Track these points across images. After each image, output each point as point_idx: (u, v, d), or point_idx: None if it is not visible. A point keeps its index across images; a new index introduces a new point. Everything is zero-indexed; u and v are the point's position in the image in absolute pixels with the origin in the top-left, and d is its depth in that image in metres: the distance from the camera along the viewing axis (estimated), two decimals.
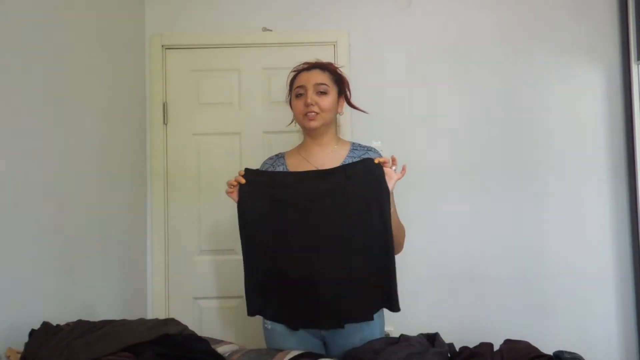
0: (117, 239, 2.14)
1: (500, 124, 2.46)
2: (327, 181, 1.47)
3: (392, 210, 1.48)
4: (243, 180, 1.49)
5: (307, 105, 1.54)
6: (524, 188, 2.44)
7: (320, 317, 1.45)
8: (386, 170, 1.45)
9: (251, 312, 1.52)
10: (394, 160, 1.47)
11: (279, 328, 1.55)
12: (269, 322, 1.58)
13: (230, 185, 1.50)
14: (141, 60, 2.49)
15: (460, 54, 2.48)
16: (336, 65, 1.66)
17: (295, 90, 1.59)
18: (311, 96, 1.55)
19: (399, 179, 1.46)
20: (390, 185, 1.45)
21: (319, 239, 1.45)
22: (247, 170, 1.51)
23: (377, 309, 1.53)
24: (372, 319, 1.51)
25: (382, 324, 1.63)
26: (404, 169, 1.47)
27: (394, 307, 1.48)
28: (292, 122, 1.69)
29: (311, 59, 1.67)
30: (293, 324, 1.52)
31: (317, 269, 1.44)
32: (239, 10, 2.52)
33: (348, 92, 1.67)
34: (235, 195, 1.50)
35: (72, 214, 1.76)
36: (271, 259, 1.48)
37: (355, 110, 1.72)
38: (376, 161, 1.45)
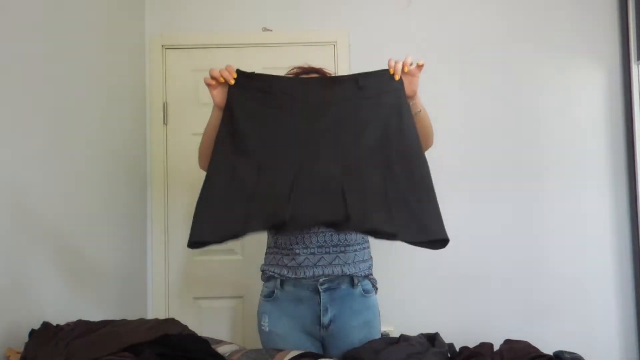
0: (117, 239, 2.14)
1: (501, 124, 2.46)
2: (335, 90, 1.31)
3: (421, 112, 1.41)
4: (232, 80, 1.34)
5: None
6: (524, 188, 2.44)
7: (319, 210, 1.23)
8: (406, 78, 1.32)
9: (203, 233, 1.25)
10: (405, 64, 1.33)
11: (277, 329, 1.55)
12: (266, 324, 1.57)
13: (211, 76, 1.35)
14: (141, 60, 2.49)
15: (460, 54, 2.48)
16: (328, 71, 1.64)
17: None
18: None
19: (418, 76, 1.35)
20: (413, 89, 1.35)
21: (323, 154, 1.27)
22: (239, 72, 1.34)
23: (406, 236, 1.27)
24: (394, 236, 1.26)
25: (379, 325, 1.62)
26: (419, 65, 1.35)
27: (435, 239, 1.26)
28: None
29: (310, 59, 1.67)
30: (277, 228, 1.29)
31: (319, 180, 1.24)
32: (239, 10, 2.52)
33: None
34: (217, 92, 1.36)
35: (72, 213, 1.76)
36: (259, 170, 1.27)
37: None
38: (394, 74, 1.30)
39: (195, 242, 1.26)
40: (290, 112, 1.30)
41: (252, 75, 1.34)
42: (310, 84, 1.38)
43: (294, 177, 1.24)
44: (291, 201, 1.22)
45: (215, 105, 1.44)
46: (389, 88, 1.32)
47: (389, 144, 1.29)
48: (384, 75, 1.33)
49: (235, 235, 1.27)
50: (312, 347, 1.54)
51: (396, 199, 1.26)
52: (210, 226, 1.25)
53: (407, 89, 1.37)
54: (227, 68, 1.38)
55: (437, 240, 1.28)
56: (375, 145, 1.29)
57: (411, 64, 1.36)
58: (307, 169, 1.26)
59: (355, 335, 1.52)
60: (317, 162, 1.26)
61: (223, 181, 1.28)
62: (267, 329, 1.56)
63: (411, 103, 1.41)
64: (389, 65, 1.36)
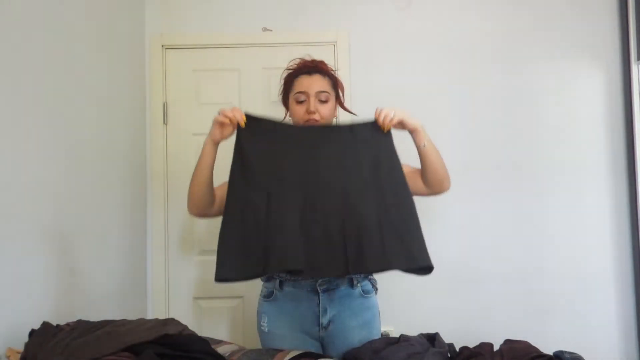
0: (117, 239, 2.14)
1: (501, 124, 2.46)
2: (332, 135, 1.47)
3: (426, 146, 1.50)
4: (242, 123, 1.42)
5: (309, 112, 1.54)
6: (524, 188, 2.44)
7: (323, 264, 1.37)
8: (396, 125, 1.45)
9: (228, 272, 1.37)
10: (385, 124, 1.44)
11: (276, 330, 1.55)
12: (265, 324, 1.57)
13: (224, 115, 1.41)
14: (141, 60, 2.49)
15: (460, 54, 2.48)
16: (331, 68, 1.65)
17: (296, 96, 1.57)
18: (314, 104, 1.54)
19: (404, 117, 1.45)
20: (410, 127, 1.47)
21: (324, 184, 1.41)
22: (248, 116, 1.44)
23: (397, 265, 1.40)
24: (388, 269, 1.40)
25: (379, 325, 1.62)
26: (398, 122, 1.45)
27: (422, 266, 1.41)
28: (285, 117, 1.68)
29: (306, 56, 1.66)
30: (293, 273, 1.42)
31: (322, 212, 1.38)
32: (239, 10, 2.52)
33: (342, 95, 1.67)
34: (223, 130, 1.43)
35: (72, 213, 1.76)
36: (269, 205, 1.38)
37: (354, 109, 1.73)
38: (383, 126, 1.44)
39: (221, 279, 1.38)
40: (293, 152, 1.43)
41: (260, 119, 1.45)
42: (311, 130, 1.50)
43: (301, 215, 1.38)
44: (303, 252, 1.36)
45: (212, 141, 1.46)
46: (379, 135, 1.46)
47: (380, 181, 1.43)
48: (374, 125, 1.47)
49: (257, 275, 1.43)
50: (311, 347, 1.54)
51: (389, 230, 1.39)
52: (233, 265, 1.38)
53: (406, 128, 1.48)
54: (236, 111, 1.43)
55: (424, 267, 1.43)
56: (368, 181, 1.42)
57: (391, 120, 1.44)
58: (311, 206, 1.39)
59: (355, 336, 1.52)
60: (320, 198, 1.40)
61: (239, 216, 1.39)
62: (267, 329, 1.56)
63: (414, 136, 1.50)
64: (375, 116, 1.45)
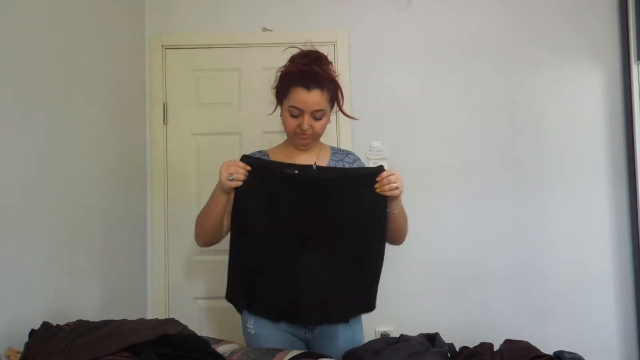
0: (117, 239, 2.14)
1: (501, 124, 2.46)
2: (326, 180, 1.46)
3: (398, 214, 1.50)
4: (246, 174, 1.44)
5: (302, 129, 1.51)
6: (524, 188, 2.44)
7: (301, 314, 1.49)
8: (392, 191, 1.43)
9: (240, 308, 1.58)
10: (386, 190, 1.43)
11: (262, 332, 1.54)
12: (252, 326, 1.56)
13: (237, 172, 1.43)
14: (141, 60, 2.49)
15: (460, 54, 2.48)
16: (332, 70, 1.56)
17: (290, 109, 1.51)
18: (307, 122, 1.50)
19: (396, 191, 1.43)
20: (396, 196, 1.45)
21: (308, 238, 1.45)
22: (249, 161, 1.46)
23: (356, 313, 1.58)
24: (347, 321, 1.55)
25: (361, 326, 1.65)
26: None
27: (370, 309, 1.55)
28: (274, 110, 1.65)
29: (308, 45, 1.63)
30: (276, 318, 1.53)
31: (302, 268, 1.44)
32: (239, 10, 2.52)
33: (341, 99, 1.59)
34: (234, 184, 1.44)
35: (72, 214, 1.76)
36: (258, 255, 1.47)
37: (354, 109, 1.71)
38: (381, 189, 1.44)
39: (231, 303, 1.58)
40: (285, 202, 1.46)
41: (258, 161, 1.49)
42: (307, 175, 1.46)
43: (294, 265, 1.45)
44: (297, 302, 1.46)
45: (223, 190, 1.46)
46: (372, 188, 1.45)
47: (366, 229, 1.47)
48: (370, 175, 1.45)
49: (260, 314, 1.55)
50: (297, 349, 1.53)
51: (359, 287, 1.51)
52: (239, 296, 1.55)
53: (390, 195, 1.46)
54: (238, 172, 1.43)
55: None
56: (355, 226, 1.46)
57: (392, 192, 1.42)
58: (302, 253, 1.45)
59: (340, 337, 1.53)
60: (310, 245, 1.45)
61: (241, 254, 1.50)
62: (253, 331, 1.55)
63: (392, 203, 1.47)
64: (379, 178, 1.43)
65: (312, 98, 1.48)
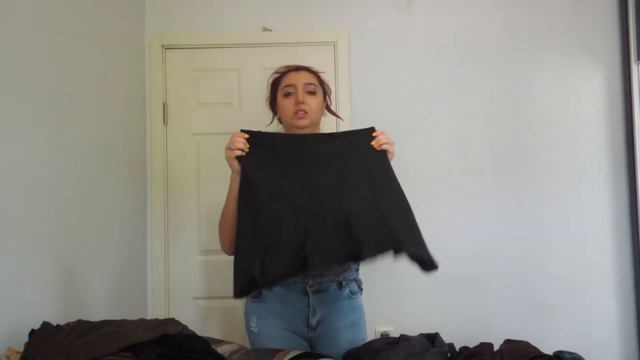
0: (117, 239, 2.14)
1: (501, 124, 2.46)
2: (330, 145, 1.49)
3: None
4: (246, 148, 1.45)
5: (297, 103, 1.55)
6: (524, 188, 2.44)
7: (332, 252, 1.37)
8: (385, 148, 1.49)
9: (242, 287, 1.40)
10: (379, 143, 1.49)
11: (265, 330, 1.54)
12: (254, 325, 1.56)
13: (235, 148, 1.43)
14: (141, 60, 2.49)
15: (460, 54, 2.48)
16: (316, 69, 1.67)
17: (284, 90, 1.59)
18: (302, 94, 1.56)
19: (392, 152, 1.50)
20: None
21: (326, 196, 1.43)
22: (249, 133, 1.47)
23: (408, 246, 1.38)
24: (400, 249, 1.37)
25: (365, 326, 1.64)
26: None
27: (427, 258, 1.38)
28: (272, 121, 1.71)
29: (310, 59, 1.69)
30: (281, 272, 1.40)
31: (320, 213, 1.39)
32: (239, 10, 2.52)
33: (328, 98, 1.69)
34: (236, 160, 1.45)
35: (72, 213, 1.76)
36: (272, 217, 1.41)
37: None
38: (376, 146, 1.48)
39: (238, 295, 1.42)
40: (293, 165, 1.47)
41: (259, 134, 1.49)
42: (308, 141, 1.52)
43: (307, 223, 1.38)
44: (308, 246, 1.35)
45: (235, 172, 1.47)
46: (370, 145, 1.50)
47: (380, 186, 1.46)
48: (369, 135, 1.50)
49: (269, 287, 1.51)
50: (300, 347, 1.53)
51: (395, 219, 1.42)
52: (246, 279, 1.39)
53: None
54: (238, 142, 1.44)
55: (430, 262, 1.40)
56: (369, 187, 1.45)
57: (381, 146, 1.48)
58: (316, 213, 1.40)
59: (342, 336, 1.54)
60: (323, 206, 1.41)
61: (250, 234, 1.42)
62: (256, 329, 1.56)
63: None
64: (374, 134, 1.49)
65: (301, 75, 1.60)
